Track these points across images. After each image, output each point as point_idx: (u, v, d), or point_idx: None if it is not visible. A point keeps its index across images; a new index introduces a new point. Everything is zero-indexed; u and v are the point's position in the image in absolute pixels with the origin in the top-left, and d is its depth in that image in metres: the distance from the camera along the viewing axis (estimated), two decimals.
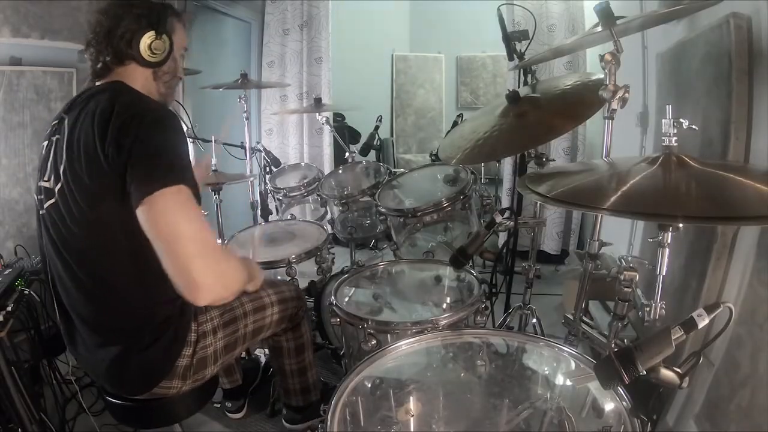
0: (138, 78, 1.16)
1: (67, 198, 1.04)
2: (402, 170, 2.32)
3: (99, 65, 1.15)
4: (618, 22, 1.08)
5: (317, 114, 2.62)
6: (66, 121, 1.09)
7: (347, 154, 2.45)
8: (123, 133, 0.98)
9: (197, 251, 0.94)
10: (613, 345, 1.12)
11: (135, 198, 0.94)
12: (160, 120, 1.03)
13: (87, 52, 1.17)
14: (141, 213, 0.95)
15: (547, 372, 1.05)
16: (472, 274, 1.47)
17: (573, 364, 0.99)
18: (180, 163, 1.00)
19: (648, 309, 0.89)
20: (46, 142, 1.14)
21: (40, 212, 1.12)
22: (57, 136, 1.10)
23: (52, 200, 1.08)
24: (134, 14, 1.13)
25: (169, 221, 0.94)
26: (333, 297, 1.39)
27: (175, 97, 1.32)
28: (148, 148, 0.98)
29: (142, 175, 0.95)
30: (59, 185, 1.06)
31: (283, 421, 1.66)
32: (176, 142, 1.03)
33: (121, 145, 0.97)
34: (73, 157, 1.03)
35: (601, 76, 1.14)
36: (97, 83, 1.15)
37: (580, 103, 1.23)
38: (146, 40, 1.13)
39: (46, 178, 1.10)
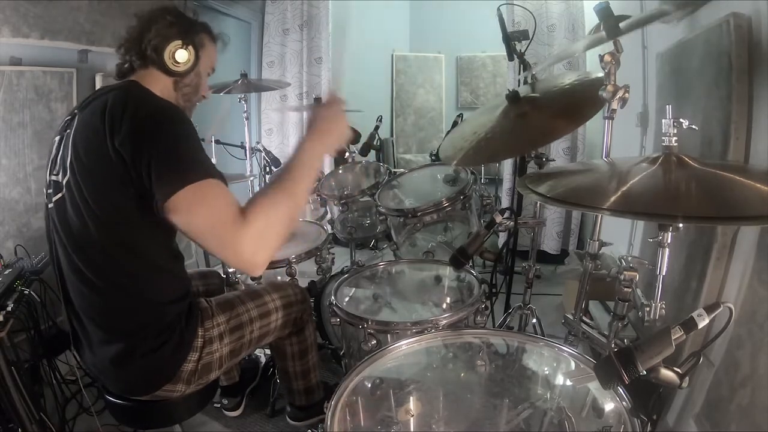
0: (157, 84, 1.17)
1: (73, 191, 1.05)
2: (402, 170, 2.32)
3: (125, 65, 1.20)
4: (620, 24, 1.08)
5: None
6: (77, 117, 1.11)
7: (347, 154, 2.45)
8: (138, 131, 0.98)
9: (218, 244, 0.93)
10: (613, 345, 1.12)
11: (159, 201, 0.94)
12: (174, 117, 1.03)
13: (118, 52, 1.20)
14: (168, 216, 0.95)
15: (547, 372, 1.05)
16: (472, 274, 1.47)
17: (573, 364, 0.99)
18: (199, 158, 1.00)
19: (648, 309, 0.89)
20: (57, 137, 1.15)
21: (49, 206, 1.13)
22: (68, 131, 1.11)
23: (60, 194, 1.09)
24: (167, 21, 1.16)
25: (186, 222, 0.94)
26: (333, 297, 1.39)
27: (192, 113, 1.31)
28: (167, 150, 0.97)
29: (163, 177, 0.95)
30: (66, 178, 1.07)
31: (287, 418, 1.67)
32: (190, 137, 1.03)
33: (137, 143, 0.97)
34: (80, 150, 1.04)
35: (600, 74, 1.14)
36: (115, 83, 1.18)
37: (581, 103, 1.22)
38: (171, 48, 1.15)
39: (55, 172, 1.12)
